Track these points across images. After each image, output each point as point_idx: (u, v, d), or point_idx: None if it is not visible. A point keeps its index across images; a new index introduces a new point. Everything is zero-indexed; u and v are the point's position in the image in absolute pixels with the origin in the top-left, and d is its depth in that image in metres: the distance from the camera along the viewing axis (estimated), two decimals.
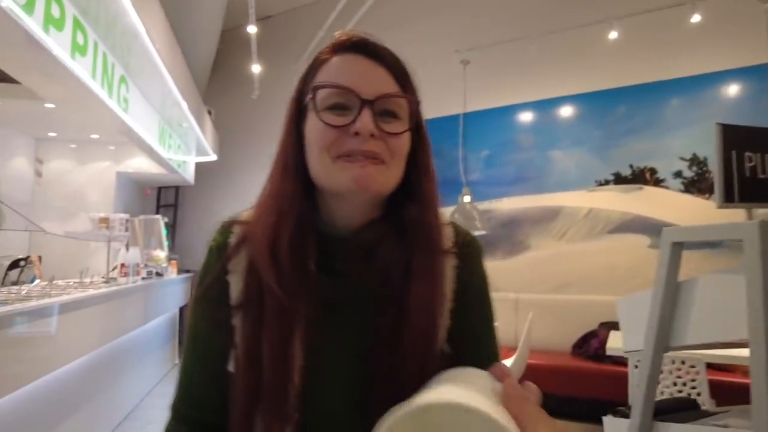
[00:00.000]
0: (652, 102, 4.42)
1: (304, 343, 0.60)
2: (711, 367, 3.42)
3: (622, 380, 3.52)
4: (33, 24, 2.13)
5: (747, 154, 1.01)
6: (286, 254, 0.60)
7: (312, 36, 6.14)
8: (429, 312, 0.62)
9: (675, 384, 2.43)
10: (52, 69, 2.52)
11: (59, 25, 2.36)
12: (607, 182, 4.54)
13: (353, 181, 0.59)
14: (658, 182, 4.36)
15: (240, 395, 0.62)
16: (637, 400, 1.08)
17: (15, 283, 3.67)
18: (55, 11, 2.32)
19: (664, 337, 1.06)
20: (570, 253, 4.63)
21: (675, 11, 4.23)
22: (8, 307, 1.98)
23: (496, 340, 0.72)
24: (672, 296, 1.06)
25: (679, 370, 2.36)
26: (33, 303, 2.18)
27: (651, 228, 4.29)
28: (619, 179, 4.50)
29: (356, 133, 0.59)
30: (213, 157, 6.34)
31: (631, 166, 4.47)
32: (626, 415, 1.97)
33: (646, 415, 1.07)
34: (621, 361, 3.48)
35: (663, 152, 4.35)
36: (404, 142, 0.63)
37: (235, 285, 0.65)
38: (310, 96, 0.62)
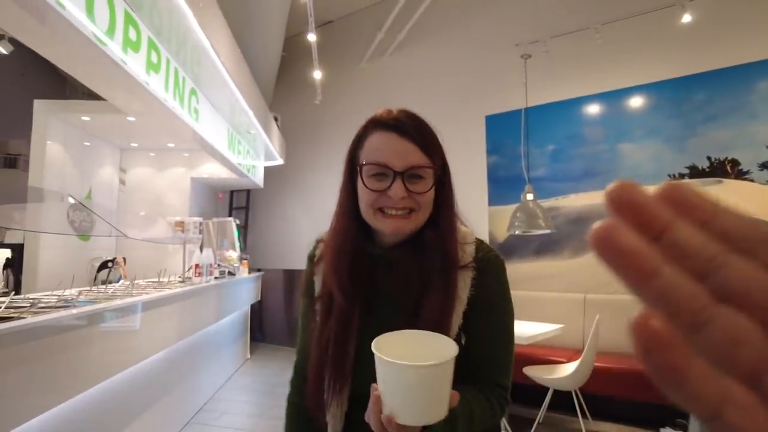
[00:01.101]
0: (733, 87, 4.11)
1: (358, 329, 0.86)
2: None
3: None
4: (115, 47, 2.33)
5: None
6: (344, 270, 0.88)
7: (372, 38, 6.22)
8: (439, 313, 0.82)
9: None
10: (131, 86, 2.74)
11: (136, 47, 2.56)
12: (682, 176, 4.28)
13: (388, 229, 0.85)
14: (741, 174, 4.05)
15: (313, 362, 0.89)
16: (693, 417, 1.03)
17: (104, 283, 4.01)
18: (132, 35, 2.52)
19: None
20: None
21: None
22: (97, 306, 2.19)
23: (503, 343, 0.89)
24: None
25: None
26: (118, 302, 2.39)
27: None
28: (695, 172, 4.23)
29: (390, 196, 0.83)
30: (280, 162, 6.59)
31: (709, 158, 4.18)
32: (685, 428, 1.87)
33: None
34: None
35: (747, 142, 4.03)
36: (429, 196, 0.85)
37: (318, 284, 0.95)
38: (359, 169, 0.87)
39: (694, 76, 4.27)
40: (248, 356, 6.18)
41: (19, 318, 1.75)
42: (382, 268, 0.90)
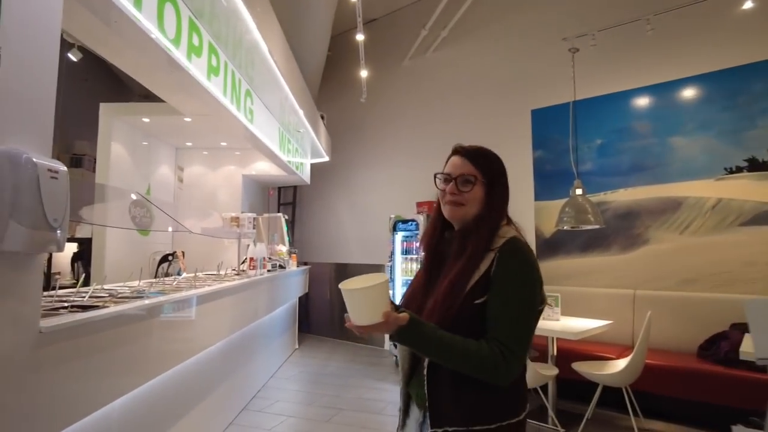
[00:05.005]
0: None
1: (431, 276, 1.29)
2: None
3: (758, 388, 3.24)
4: (179, 54, 2.48)
5: None
6: (425, 243, 1.36)
7: (414, 36, 6.26)
8: (460, 274, 1.17)
9: None
10: (192, 89, 2.90)
11: (198, 52, 2.71)
12: (739, 169, 4.13)
13: (446, 214, 1.28)
14: None
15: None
16: None
17: (165, 275, 4.24)
18: (195, 40, 2.66)
19: None
20: (694, 247, 4.28)
21: None
22: (170, 296, 2.35)
23: (505, 309, 1.13)
24: None
25: None
26: (186, 293, 2.55)
27: None
28: (754, 165, 4.07)
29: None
30: (326, 159, 6.75)
31: None
32: (760, 426, 1.85)
33: None
34: (757, 367, 3.19)
35: None
36: (473, 195, 1.24)
37: None
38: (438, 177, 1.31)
39: (750, 66, 4.12)
40: (296, 346, 6.38)
41: (104, 307, 1.91)
42: (451, 245, 1.28)
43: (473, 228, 1.22)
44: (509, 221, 1.27)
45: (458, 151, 1.29)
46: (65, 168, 1.45)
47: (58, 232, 1.42)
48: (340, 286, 1.08)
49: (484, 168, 1.25)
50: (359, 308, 1.07)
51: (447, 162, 1.30)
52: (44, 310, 1.84)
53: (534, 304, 1.15)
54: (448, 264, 1.24)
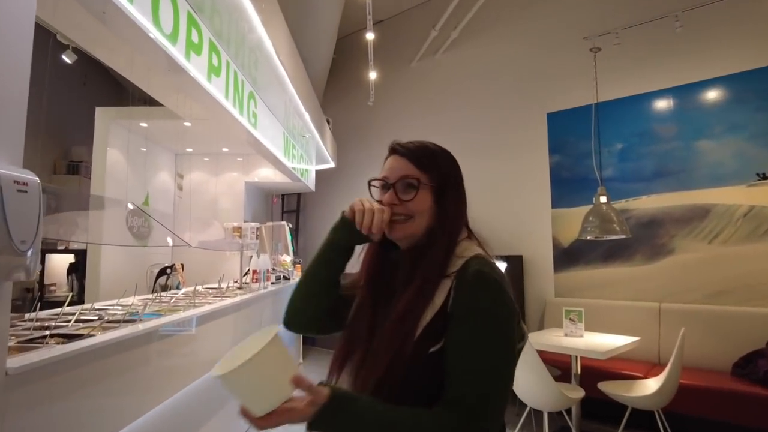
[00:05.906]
0: None
1: (373, 314, 0.96)
2: None
3: None
4: (176, 52, 2.26)
5: None
6: (369, 271, 1.02)
7: (422, 38, 6.05)
8: (406, 311, 0.86)
9: None
10: (191, 91, 2.68)
11: (198, 49, 2.48)
12: None
13: (389, 233, 0.96)
14: None
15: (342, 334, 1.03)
16: None
17: (163, 288, 4.01)
18: (195, 37, 2.44)
19: None
20: (725, 258, 4.03)
21: None
22: (160, 320, 2.12)
23: (462, 360, 0.81)
24: None
25: None
26: (184, 314, 2.32)
27: None
28: None
29: None
30: (332, 165, 6.53)
31: None
32: None
33: None
34: None
35: None
36: (419, 203, 0.94)
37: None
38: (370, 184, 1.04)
39: None
40: (301, 360, 6.13)
41: (89, 336, 1.68)
42: (397, 269, 0.97)
43: (425, 246, 0.93)
44: (470, 234, 0.99)
45: (395, 149, 0.99)
46: (37, 179, 1.22)
47: (28, 254, 1.19)
48: (213, 375, 0.72)
49: (430, 168, 0.96)
50: (253, 392, 0.72)
51: (384, 162, 1.01)
52: (19, 341, 1.61)
53: (509, 349, 0.84)
54: (396, 297, 0.92)
